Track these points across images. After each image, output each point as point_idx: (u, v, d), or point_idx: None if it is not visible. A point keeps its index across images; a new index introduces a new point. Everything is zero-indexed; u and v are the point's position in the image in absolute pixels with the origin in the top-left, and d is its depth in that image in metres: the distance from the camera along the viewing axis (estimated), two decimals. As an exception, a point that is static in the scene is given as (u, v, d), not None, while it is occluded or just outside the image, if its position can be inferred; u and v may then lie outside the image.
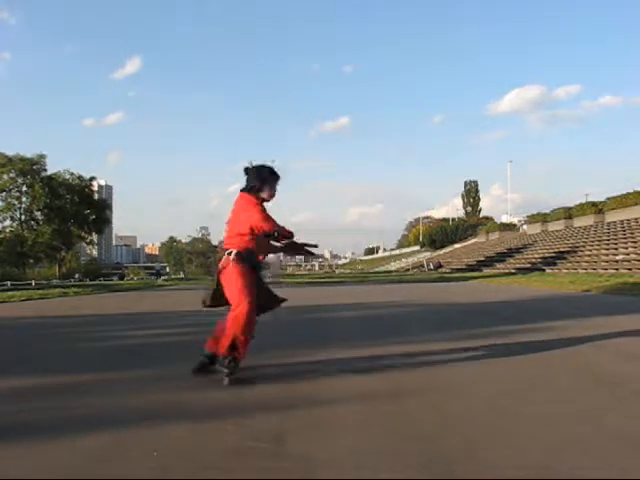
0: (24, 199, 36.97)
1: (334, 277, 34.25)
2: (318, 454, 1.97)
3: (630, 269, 17.37)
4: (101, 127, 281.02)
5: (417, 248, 66.16)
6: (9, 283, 24.38)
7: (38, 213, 37.09)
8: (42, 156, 36.61)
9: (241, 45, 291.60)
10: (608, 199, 28.42)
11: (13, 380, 3.36)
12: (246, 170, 3.27)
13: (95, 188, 45.18)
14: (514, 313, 7.63)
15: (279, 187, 3.31)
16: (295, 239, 3.31)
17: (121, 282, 30.34)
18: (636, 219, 23.54)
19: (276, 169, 3.29)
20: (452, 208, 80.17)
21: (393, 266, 56.13)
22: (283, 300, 3.35)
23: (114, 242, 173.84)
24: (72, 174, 38.71)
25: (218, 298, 3.18)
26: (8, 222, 36.97)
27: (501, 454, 1.95)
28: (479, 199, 78.08)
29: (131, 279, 44.04)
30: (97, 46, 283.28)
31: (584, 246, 24.16)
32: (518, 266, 25.93)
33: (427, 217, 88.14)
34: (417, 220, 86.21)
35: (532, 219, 37.38)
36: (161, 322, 7.54)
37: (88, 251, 79.94)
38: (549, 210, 36.80)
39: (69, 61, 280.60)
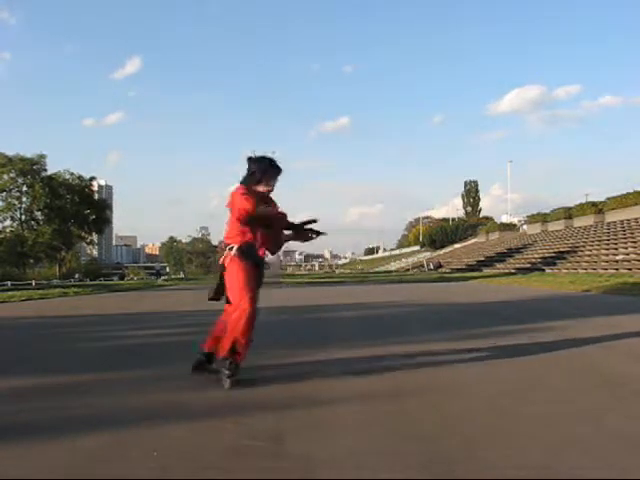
0: (24, 199, 37.02)
1: (334, 277, 34.24)
2: (318, 454, 1.97)
3: (630, 269, 17.37)
4: (101, 127, 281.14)
5: (417, 248, 66.14)
6: (9, 283, 24.40)
7: (38, 213, 37.12)
8: (42, 156, 36.67)
9: (241, 45, 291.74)
10: (608, 199, 28.43)
11: (13, 380, 3.36)
12: (249, 159, 3.18)
13: (95, 188, 45.22)
14: (514, 313, 7.63)
15: (279, 182, 3.22)
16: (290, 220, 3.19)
17: (121, 282, 30.37)
18: (636, 219, 23.53)
19: (278, 161, 3.19)
20: (452, 208, 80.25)
21: (393, 266, 56.13)
22: None
23: (114, 242, 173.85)
24: (72, 174, 38.78)
25: (221, 292, 3.14)
26: (8, 222, 37.04)
27: (501, 454, 1.95)
28: (479, 199, 78.13)
29: (131, 279, 44.05)
30: (97, 46, 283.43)
31: (584, 246, 24.16)
32: (518, 266, 25.93)
33: (427, 217, 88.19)
34: (417, 220, 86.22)
35: (532, 219, 37.38)
36: (161, 322, 7.54)
37: (88, 251, 79.94)
38: (549, 210, 36.85)
39: (69, 61, 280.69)
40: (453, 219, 71.42)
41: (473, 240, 48.42)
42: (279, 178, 3.23)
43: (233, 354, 2.97)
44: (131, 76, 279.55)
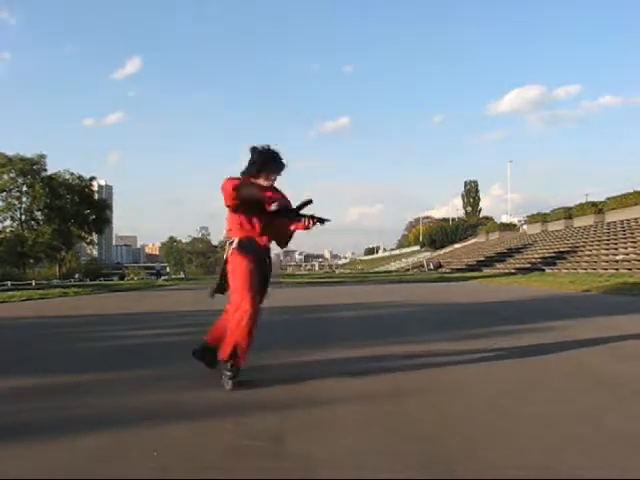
0: (24, 199, 37.06)
1: (334, 277, 34.23)
2: (318, 454, 1.97)
3: (630, 269, 17.37)
4: (101, 127, 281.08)
5: (417, 248, 66.16)
6: (9, 283, 24.42)
7: (38, 213, 37.15)
8: (42, 156, 36.70)
9: (241, 45, 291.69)
10: (608, 199, 28.43)
11: (13, 380, 3.36)
12: (252, 149, 3.07)
13: (95, 188, 45.24)
14: (514, 313, 7.63)
15: (281, 180, 3.12)
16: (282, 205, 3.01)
17: (121, 282, 30.36)
18: (636, 219, 23.54)
19: (281, 156, 3.07)
20: (452, 208, 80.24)
21: (393, 266, 56.13)
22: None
23: (114, 242, 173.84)
24: (72, 174, 38.82)
25: (224, 287, 3.08)
26: (8, 222, 37.10)
27: (501, 454, 1.95)
28: (479, 199, 78.14)
29: (131, 279, 44.05)
30: (97, 46, 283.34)
31: (584, 246, 24.16)
32: (518, 266, 25.93)
33: (427, 217, 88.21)
34: (417, 220, 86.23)
35: (532, 219, 37.38)
36: (161, 322, 7.54)
37: (88, 251, 79.95)
38: (549, 210, 36.85)
39: (69, 61, 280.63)
40: (453, 219, 71.43)
41: (473, 240, 48.42)
42: (282, 173, 3.11)
43: (234, 358, 2.92)
44: (131, 76, 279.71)
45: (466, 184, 78.32)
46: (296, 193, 3.40)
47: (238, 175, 3.07)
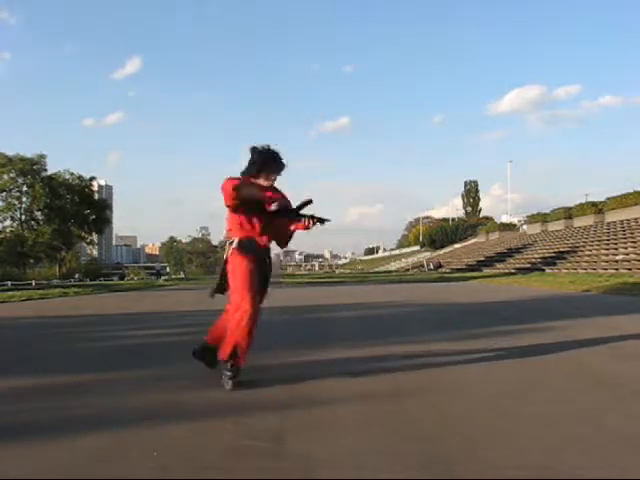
0: (24, 199, 37.08)
1: (334, 277, 34.24)
2: (318, 454, 1.97)
3: (630, 269, 17.38)
4: (101, 127, 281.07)
5: (417, 248, 66.16)
6: (9, 283, 24.43)
7: (38, 213, 37.16)
8: (42, 156, 36.72)
9: (241, 45, 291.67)
10: (608, 199, 28.44)
11: (13, 380, 3.36)
12: (252, 149, 3.05)
13: (95, 188, 45.26)
14: (514, 313, 7.63)
15: (281, 180, 3.10)
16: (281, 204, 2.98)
17: (121, 282, 30.37)
18: (636, 219, 23.54)
19: (281, 156, 3.05)
20: (452, 208, 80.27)
21: (393, 266, 56.13)
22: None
23: (114, 242, 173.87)
24: (72, 174, 38.83)
25: (224, 287, 3.07)
26: (8, 222, 37.12)
27: (501, 454, 1.95)
28: (479, 199, 78.17)
29: (131, 279, 44.05)
30: (97, 46, 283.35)
31: (584, 246, 24.16)
32: (518, 266, 25.93)
33: (427, 217, 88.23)
34: (417, 220, 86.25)
35: (532, 219, 37.39)
36: (161, 322, 7.54)
37: (88, 251, 79.97)
38: (549, 210, 36.86)
39: (69, 61, 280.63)
40: (453, 219, 71.44)
41: (473, 240, 48.43)
42: (282, 173, 3.09)
43: (234, 358, 2.92)
44: (131, 76, 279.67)
45: (466, 184, 78.36)
46: (296, 193, 3.39)
47: (238, 175, 3.06)
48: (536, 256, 27.01)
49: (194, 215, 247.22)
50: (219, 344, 3.03)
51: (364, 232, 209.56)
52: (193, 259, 62.03)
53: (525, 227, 39.93)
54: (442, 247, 53.36)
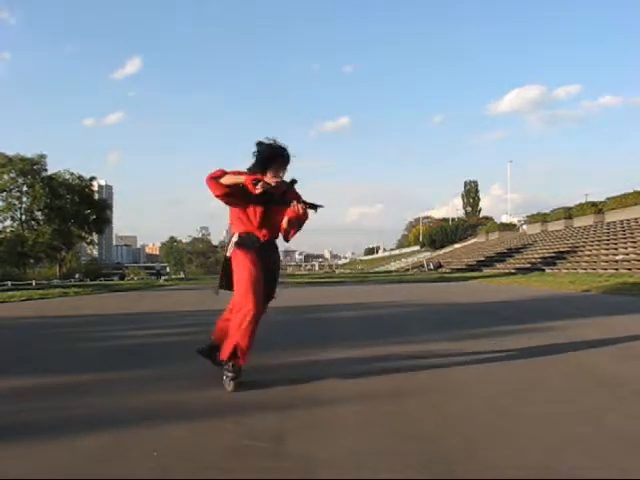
0: (24, 199, 37.07)
1: (334, 277, 34.22)
2: (318, 454, 1.97)
3: (630, 269, 17.38)
4: (101, 127, 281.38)
5: (417, 248, 66.16)
6: (9, 283, 24.42)
7: (38, 213, 37.16)
8: (42, 156, 36.71)
9: (241, 45, 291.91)
10: (608, 199, 28.44)
11: (13, 380, 3.36)
12: (258, 143, 2.93)
13: (95, 188, 45.26)
14: (514, 313, 7.63)
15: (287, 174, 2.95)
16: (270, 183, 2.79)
17: (121, 282, 30.34)
18: (636, 219, 23.54)
19: (287, 149, 2.93)
20: (452, 208, 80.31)
21: (393, 266, 56.12)
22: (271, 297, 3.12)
23: (114, 242, 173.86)
24: (72, 174, 38.81)
25: (230, 284, 3.02)
26: (8, 222, 37.11)
27: (501, 454, 1.95)
28: (479, 199, 78.20)
29: (131, 279, 44.01)
30: (97, 46, 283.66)
31: (584, 246, 24.16)
32: (518, 266, 25.93)
33: (427, 217, 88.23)
34: (417, 220, 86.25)
35: (532, 219, 37.38)
36: (161, 322, 7.54)
37: (88, 251, 79.96)
38: (549, 210, 36.88)
39: (69, 61, 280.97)
40: (453, 219, 71.44)
41: (473, 240, 48.42)
42: (287, 168, 2.96)
43: (234, 359, 2.89)
44: (131, 76, 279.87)
45: (466, 184, 78.37)
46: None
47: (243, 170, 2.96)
48: (536, 256, 27.01)
49: (194, 215, 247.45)
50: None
51: (364, 232, 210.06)
52: (193, 259, 61.96)
53: (525, 227, 39.93)
54: (442, 247, 53.35)
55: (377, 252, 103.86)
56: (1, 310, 10.03)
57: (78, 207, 37.69)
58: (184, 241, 65.18)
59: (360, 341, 4.88)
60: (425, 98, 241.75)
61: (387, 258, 75.23)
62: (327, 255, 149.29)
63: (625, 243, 21.20)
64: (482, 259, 33.64)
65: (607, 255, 20.77)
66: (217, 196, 2.89)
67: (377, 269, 59.10)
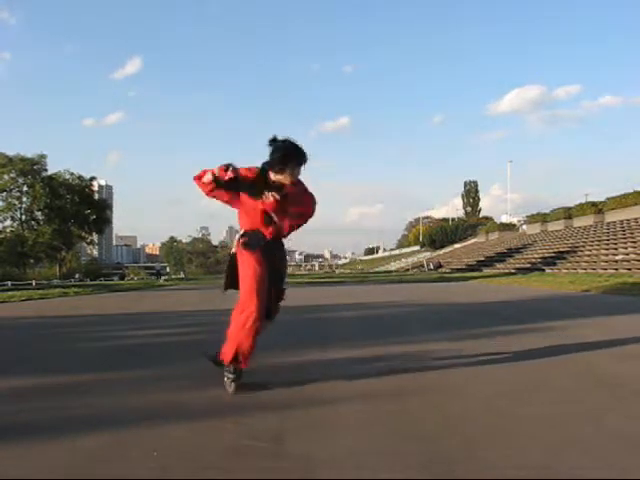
0: (24, 199, 37.14)
1: (334, 277, 34.22)
2: (318, 454, 1.97)
3: (630, 269, 17.38)
4: (101, 127, 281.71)
5: (417, 248, 66.18)
6: (9, 283, 24.45)
7: (38, 213, 37.21)
8: (42, 156, 36.77)
9: (241, 45, 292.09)
10: (608, 199, 28.44)
11: (13, 380, 3.35)
12: (272, 141, 2.79)
13: (95, 188, 45.30)
14: (514, 313, 7.63)
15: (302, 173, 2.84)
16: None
17: (121, 282, 30.37)
18: (636, 219, 23.54)
19: (302, 147, 2.79)
20: (452, 208, 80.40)
21: (393, 266, 56.12)
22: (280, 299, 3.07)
23: (114, 242, 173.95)
24: (72, 174, 38.89)
25: (236, 282, 2.95)
26: (8, 222, 37.20)
27: (501, 454, 1.95)
28: (479, 199, 78.31)
29: (131, 279, 44.02)
30: (97, 46, 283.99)
31: (584, 246, 24.17)
32: (518, 266, 25.94)
33: (427, 217, 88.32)
34: (417, 220, 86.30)
35: (532, 219, 37.39)
36: (161, 322, 7.53)
37: (88, 251, 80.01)
38: (549, 210, 36.89)
39: (69, 61, 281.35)
40: (453, 219, 71.48)
41: (473, 240, 48.43)
42: (302, 168, 2.83)
43: (236, 362, 2.84)
44: (131, 76, 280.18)
45: (466, 184, 78.45)
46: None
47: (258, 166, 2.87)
48: (536, 256, 27.01)
49: (194, 215, 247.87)
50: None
51: (364, 232, 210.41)
52: (193, 259, 62.01)
53: (525, 227, 39.94)
54: (442, 247, 53.36)
55: (377, 252, 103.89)
56: (1, 310, 10.03)
57: (78, 207, 37.74)
58: (184, 241, 65.24)
59: (360, 341, 4.88)
60: (425, 98, 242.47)
61: (387, 258, 75.24)
62: (327, 255, 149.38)
63: (625, 243, 21.20)
64: (482, 259, 33.64)
65: (607, 255, 20.77)
66: (208, 194, 2.88)
67: (377, 269, 59.10)
